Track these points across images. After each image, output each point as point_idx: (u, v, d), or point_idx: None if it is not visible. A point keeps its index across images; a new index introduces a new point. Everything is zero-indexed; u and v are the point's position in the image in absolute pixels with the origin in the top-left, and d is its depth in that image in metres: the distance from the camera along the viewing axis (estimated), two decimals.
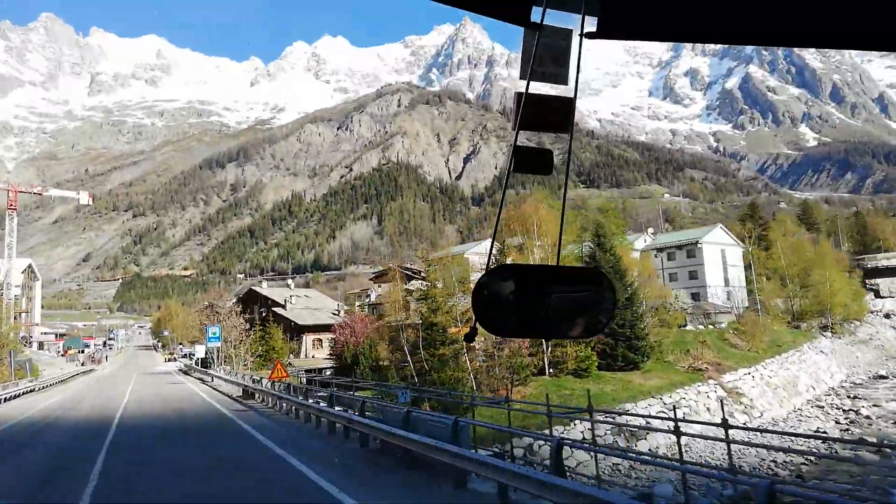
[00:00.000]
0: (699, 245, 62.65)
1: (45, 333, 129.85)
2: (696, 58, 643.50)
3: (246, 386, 31.31)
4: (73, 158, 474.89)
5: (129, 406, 28.54)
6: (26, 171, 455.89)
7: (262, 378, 32.16)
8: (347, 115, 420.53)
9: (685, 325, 46.96)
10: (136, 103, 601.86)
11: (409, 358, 29.63)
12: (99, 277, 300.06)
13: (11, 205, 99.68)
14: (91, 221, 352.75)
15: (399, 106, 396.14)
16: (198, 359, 60.26)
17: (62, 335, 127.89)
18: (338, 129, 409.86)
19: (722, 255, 63.42)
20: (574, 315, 1.76)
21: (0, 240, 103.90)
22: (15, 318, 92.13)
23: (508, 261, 31.46)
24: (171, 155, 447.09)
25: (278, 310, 68.00)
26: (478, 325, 1.74)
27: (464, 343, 26.58)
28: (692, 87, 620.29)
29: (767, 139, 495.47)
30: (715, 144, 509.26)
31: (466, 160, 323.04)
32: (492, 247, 2.71)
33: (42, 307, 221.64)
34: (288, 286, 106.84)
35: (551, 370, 31.55)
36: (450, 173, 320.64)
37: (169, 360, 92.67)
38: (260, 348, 53.07)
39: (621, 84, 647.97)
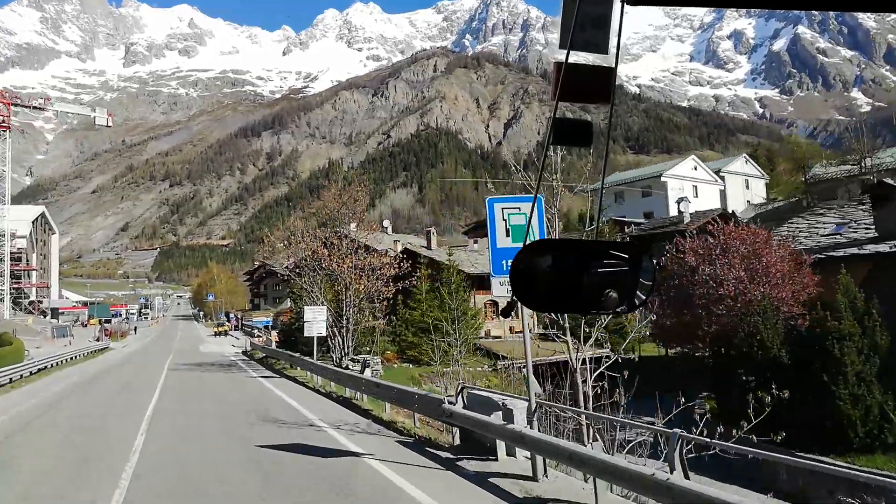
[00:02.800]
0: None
1: (67, 299, 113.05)
2: (740, 19, 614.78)
3: None
4: (111, 129, 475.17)
5: None
6: (65, 142, 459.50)
7: None
8: (382, 82, 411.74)
9: None
10: (170, 73, 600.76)
11: None
12: (137, 247, 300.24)
13: (4, 119, 77.30)
14: (129, 191, 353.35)
15: (435, 71, 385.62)
16: (305, 339, 28.96)
17: (84, 303, 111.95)
18: (373, 95, 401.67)
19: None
20: (612, 290, 1.73)
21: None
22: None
23: None
24: (206, 125, 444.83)
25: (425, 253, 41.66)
26: (515, 298, 1.69)
27: None
28: (736, 51, 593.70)
29: (817, 104, 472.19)
30: (761, 110, 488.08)
31: (508, 125, 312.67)
32: (529, 220, 2.64)
33: (81, 276, 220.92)
34: None
35: None
36: (490, 139, 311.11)
37: (218, 334, 72.58)
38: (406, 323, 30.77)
39: (661, 49, 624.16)
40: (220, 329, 74.50)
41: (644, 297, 1.75)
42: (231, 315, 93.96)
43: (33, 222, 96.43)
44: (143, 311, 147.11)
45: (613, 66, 1.69)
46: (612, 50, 1.66)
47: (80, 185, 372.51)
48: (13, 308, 78.93)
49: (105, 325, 73.97)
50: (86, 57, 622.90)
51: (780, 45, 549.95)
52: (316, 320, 24.06)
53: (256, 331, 65.35)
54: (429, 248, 43.62)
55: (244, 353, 43.98)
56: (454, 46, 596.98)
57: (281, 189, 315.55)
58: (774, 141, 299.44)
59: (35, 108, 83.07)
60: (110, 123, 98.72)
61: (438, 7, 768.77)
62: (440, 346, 18.72)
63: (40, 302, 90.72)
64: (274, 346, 40.02)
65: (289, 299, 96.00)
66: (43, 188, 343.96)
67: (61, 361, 34.39)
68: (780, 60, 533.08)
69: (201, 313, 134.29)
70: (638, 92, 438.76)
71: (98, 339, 56.05)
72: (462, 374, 17.37)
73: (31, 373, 27.99)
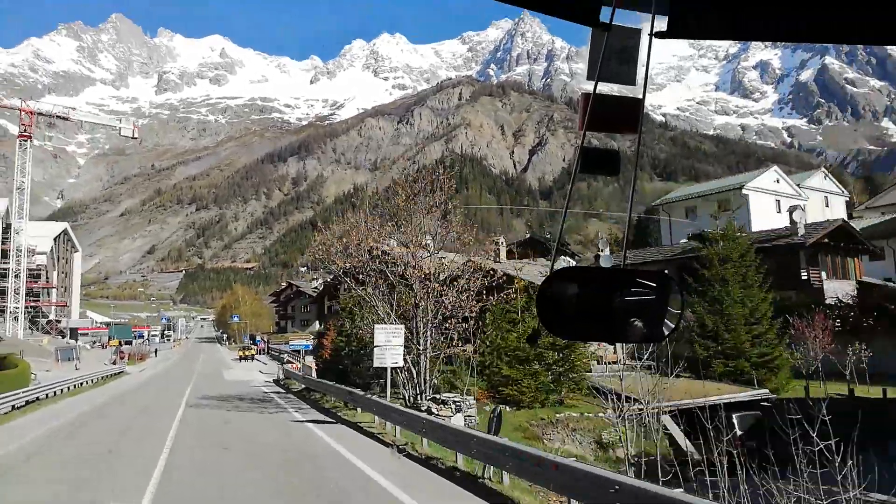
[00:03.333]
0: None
1: (89, 319, 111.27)
2: (765, 50, 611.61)
3: None
4: (141, 154, 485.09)
5: None
6: (96, 166, 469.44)
7: None
8: (408, 109, 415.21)
9: None
10: (200, 101, 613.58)
11: None
12: (163, 269, 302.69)
13: (25, 128, 74.52)
14: (156, 214, 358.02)
15: (460, 99, 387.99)
16: (357, 369, 26.91)
17: (107, 324, 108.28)
18: (398, 122, 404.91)
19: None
20: (638, 319, 1.73)
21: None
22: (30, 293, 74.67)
23: None
24: (233, 150, 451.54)
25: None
26: (541, 326, 1.73)
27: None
28: (762, 81, 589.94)
29: (847, 134, 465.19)
30: (789, 140, 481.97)
31: (532, 152, 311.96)
32: (556, 248, 2.67)
33: (107, 297, 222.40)
34: None
35: None
36: (515, 166, 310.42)
37: (244, 359, 67.76)
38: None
39: (686, 79, 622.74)
40: (247, 353, 69.54)
41: (672, 327, 1.73)
42: (257, 338, 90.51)
43: (55, 239, 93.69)
44: (165, 333, 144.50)
45: (641, 96, 1.65)
46: (640, 81, 1.63)
47: (110, 209, 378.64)
48: (30, 327, 76.56)
49: (122, 347, 65.65)
50: (119, 84, 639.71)
51: (807, 75, 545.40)
52: (390, 345, 18.20)
53: (287, 355, 60.42)
54: (497, 260, 35.83)
55: (276, 382, 38.86)
56: (479, 76, 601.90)
57: (306, 213, 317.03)
58: (805, 170, 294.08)
59: (59, 117, 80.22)
60: (136, 135, 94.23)
61: (464, 38, 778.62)
62: (542, 380, 15.02)
63: (59, 321, 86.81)
64: (314, 375, 33.95)
65: (316, 322, 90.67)
66: (73, 211, 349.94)
67: (61, 390, 28.72)
68: (808, 90, 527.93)
69: (225, 336, 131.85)
70: (664, 121, 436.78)
71: (114, 363, 51.94)
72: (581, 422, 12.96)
73: (13, 407, 21.85)
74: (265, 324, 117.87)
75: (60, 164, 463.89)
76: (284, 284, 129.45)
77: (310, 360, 43.21)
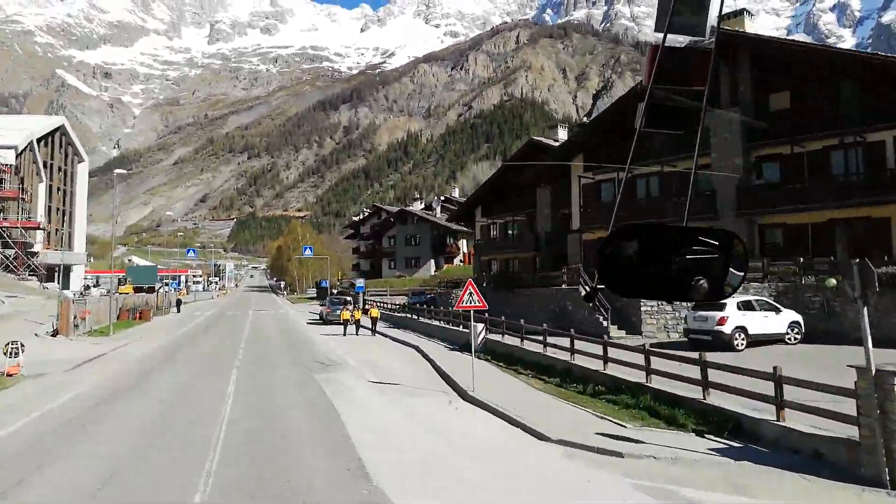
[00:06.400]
0: None
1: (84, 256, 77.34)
2: None
3: None
4: (194, 104, 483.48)
5: None
6: (151, 116, 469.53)
7: None
8: (462, 55, 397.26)
9: None
10: (252, 50, 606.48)
11: None
12: (214, 217, 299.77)
13: None
14: (209, 163, 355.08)
15: (517, 43, 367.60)
16: None
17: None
18: (451, 69, 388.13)
19: None
20: (701, 278, 1.66)
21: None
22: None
23: None
24: (284, 99, 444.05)
25: None
26: (600, 284, 1.66)
27: None
28: (839, 24, 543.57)
29: None
30: None
31: (597, 96, 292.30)
32: (617, 205, 2.65)
33: (158, 245, 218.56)
34: None
35: None
36: (578, 110, 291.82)
37: (349, 323, 31.27)
38: None
39: (755, 23, 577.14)
40: (357, 315, 31.94)
41: (735, 287, 1.67)
42: (355, 287, 53.62)
43: (44, 140, 67.40)
44: (211, 279, 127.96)
45: (711, 48, 1.61)
46: (710, 32, 1.57)
47: (163, 158, 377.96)
48: None
49: (82, 300, 36.88)
50: (173, 35, 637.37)
51: (890, 17, 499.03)
52: None
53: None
54: None
55: None
56: (535, 21, 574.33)
57: (358, 162, 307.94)
58: None
59: None
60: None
61: None
62: None
63: (31, 254, 58.93)
64: None
65: (432, 261, 74.47)
66: (128, 160, 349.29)
67: None
68: (890, 33, 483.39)
69: (281, 284, 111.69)
70: None
71: (55, 333, 27.00)
72: None
73: None
74: (332, 269, 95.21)
75: (116, 114, 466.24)
76: (367, 211, 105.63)
77: None
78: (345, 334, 30.02)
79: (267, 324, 38.90)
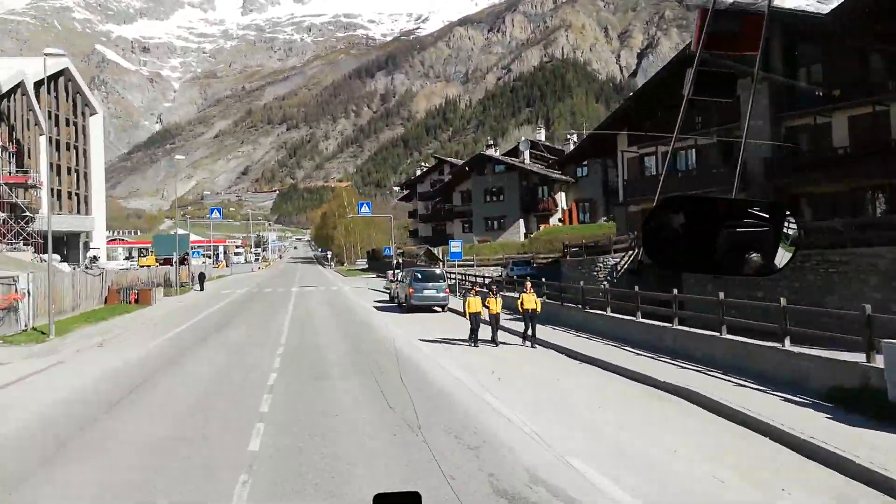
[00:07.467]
0: None
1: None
2: None
3: None
4: (231, 76, 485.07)
5: None
6: (190, 89, 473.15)
7: None
8: (498, 17, 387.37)
9: None
10: (285, 20, 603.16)
11: None
12: (257, 190, 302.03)
13: None
14: (248, 135, 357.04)
15: (555, 2, 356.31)
16: None
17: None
18: (488, 31, 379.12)
19: None
20: (749, 251, 1.61)
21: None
22: None
23: None
24: (320, 69, 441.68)
25: None
26: (645, 256, 1.72)
27: None
28: None
29: None
30: None
31: (641, 55, 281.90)
32: (664, 176, 2.56)
33: (202, 217, 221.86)
34: None
35: None
36: (622, 70, 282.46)
37: (483, 319, 17.12)
38: None
39: None
40: (486, 303, 16.91)
41: (786, 260, 1.63)
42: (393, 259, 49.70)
43: (43, 83, 55.85)
44: (254, 251, 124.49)
45: (765, 10, 1.51)
46: None
47: (204, 131, 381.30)
48: None
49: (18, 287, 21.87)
50: (207, 7, 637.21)
51: None
52: None
53: None
54: None
55: None
56: None
57: (396, 130, 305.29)
58: None
59: None
60: None
61: None
62: None
63: (23, 218, 47.11)
64: None
65: (519, 222, 53.54)
66: (171, 133, 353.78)
67: None
68: None
69: (327, 255, 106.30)
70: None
71: None
72: None
73: None
74: (380, 238, 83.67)
75: (157, 88, 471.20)
76: (425, 166, 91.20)
77: None
78: (475, 343, 16.39)
79: (317, 310, 27.52)
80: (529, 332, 16.80)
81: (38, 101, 54.98)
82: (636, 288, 17.45)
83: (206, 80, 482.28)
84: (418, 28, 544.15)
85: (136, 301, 30.30)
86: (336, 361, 14.77)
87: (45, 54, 19.99)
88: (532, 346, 16.59)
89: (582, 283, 22.98)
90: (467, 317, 16.63)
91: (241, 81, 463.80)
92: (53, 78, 59.79)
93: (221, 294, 39.07)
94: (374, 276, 60.33)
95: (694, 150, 29.35)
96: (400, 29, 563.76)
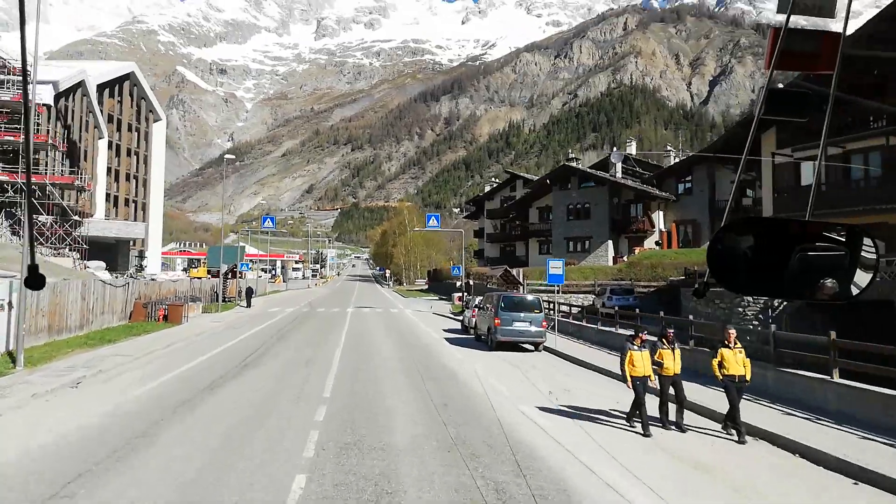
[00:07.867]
0: None
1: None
2: None
3: None
4: (301, 98, 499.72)
5: None
6: (262, 110, 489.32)
7: None
8: (566, 43, 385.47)
9: None
10: (356, 45, 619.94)
11: None
12: (319, 208, 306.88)
13: None
14: (314, 154, 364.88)
15: (625, 29, 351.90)
16: None
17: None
18: (555, 57, 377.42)
19: None
20: (821, 276, 1.53)
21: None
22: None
23: None
24: (386, 92, 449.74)
25: None
26: (711, 279, 1.58)
27: None
28: None
29: None
30: None
31: (714, 83, 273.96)
32: (732, 198, 2.48)
33: (265, 234, 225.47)
34: None
35: None
36: (692, 97, 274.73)
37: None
38: None
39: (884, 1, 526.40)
40: (662, 359, 10.26)
41: (863, 287, 1.55)
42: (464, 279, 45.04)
43: (106, 86, 54.83)
44: (312, 267, 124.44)
45: (841, 30, 1.43)
46: (840, 14, 1.40)
47: (272, 150, 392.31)
48: (12, 228, 41.87)
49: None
50: (282, 31, 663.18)
51: None
52: None
53: None
54: None
55: None
56: (643, 6, 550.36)
57: (459, 153, 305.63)
58: None
59: None
60: None
61: None
62: None
63: (66, 221, 45.06)
64: None
65: (608, 243, 45.82)
66: (241, 151, 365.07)
67: None
68: None
69: (385, 273, 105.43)
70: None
71: None
72: None
73: None
74: (439, 258, 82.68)
75: (230, 108, 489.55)
76: (496, 181, 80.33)
77: None
78: (646, 429, 9.61)
79: (375, 338, 23.01)
80: (736, 413, 9.74)
81: (102, 104, 54.81)
82: (832, 335, 11.44)
83: (278, 102, 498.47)
84: (485, 54, 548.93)
85: (165, 318, 26.33)
86: (408, 447, 8.23)
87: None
88: (739, 439, 9.53)
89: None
90: (629, 383, 10.14)
91: (310, 103, 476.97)
92: (118, 81, 59.10)
93: (267, 313, 34.24)
94: (436, 297, 57.48)
95: (879, 153, 23.26)
96: (467, 55, 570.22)
